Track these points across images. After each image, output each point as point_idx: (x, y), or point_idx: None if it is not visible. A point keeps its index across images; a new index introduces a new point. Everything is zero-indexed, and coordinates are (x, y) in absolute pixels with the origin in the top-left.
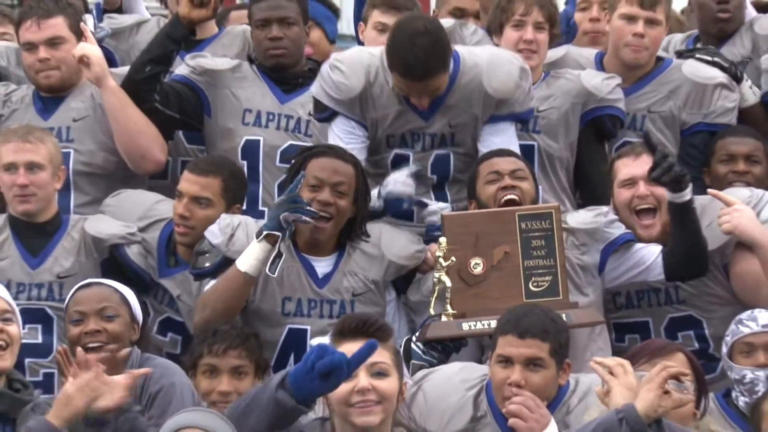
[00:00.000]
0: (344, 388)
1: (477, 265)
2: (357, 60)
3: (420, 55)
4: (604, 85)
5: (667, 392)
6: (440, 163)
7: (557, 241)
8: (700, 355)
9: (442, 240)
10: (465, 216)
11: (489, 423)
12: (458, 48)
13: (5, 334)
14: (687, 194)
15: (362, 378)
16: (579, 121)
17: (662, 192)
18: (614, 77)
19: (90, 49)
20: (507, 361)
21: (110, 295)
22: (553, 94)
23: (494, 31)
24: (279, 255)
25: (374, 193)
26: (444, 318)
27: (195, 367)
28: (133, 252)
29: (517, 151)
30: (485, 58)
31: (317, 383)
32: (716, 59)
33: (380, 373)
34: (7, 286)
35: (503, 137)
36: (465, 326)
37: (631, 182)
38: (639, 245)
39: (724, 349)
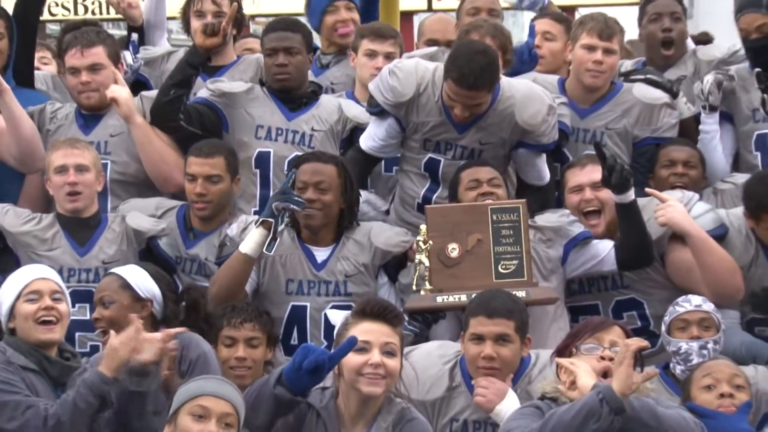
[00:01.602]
0: (359, 359)
1: (454, 250)
2: (413, 71)
3: (475, 68)
4: None
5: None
6: None
7: (523, 231)
8: (642, 332)
9: (422, 227)
10: (445, 208)
11: (462, 392)
12: (502, 78)
13: (56, 311)
14: (631, 195)
15: (375, 354)
16: None
17: (605, 196)
18: (559, 97)
19: (119, 91)
20: (479, 338)
21: (110, 284)
22: None
23: None
24: (275, 238)
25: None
26: (422, 292)
27: (216, 339)
28: (162, 242)
29: (547, 175)
30: (521, 92)
31: (306, 378)
32: (650, 77)
33: (390, 353)
34: (60, 271)
35: (538, 171)
36: (439, 299)
37: (578, 188)
38: (595, 241)
39: (663, 327)
